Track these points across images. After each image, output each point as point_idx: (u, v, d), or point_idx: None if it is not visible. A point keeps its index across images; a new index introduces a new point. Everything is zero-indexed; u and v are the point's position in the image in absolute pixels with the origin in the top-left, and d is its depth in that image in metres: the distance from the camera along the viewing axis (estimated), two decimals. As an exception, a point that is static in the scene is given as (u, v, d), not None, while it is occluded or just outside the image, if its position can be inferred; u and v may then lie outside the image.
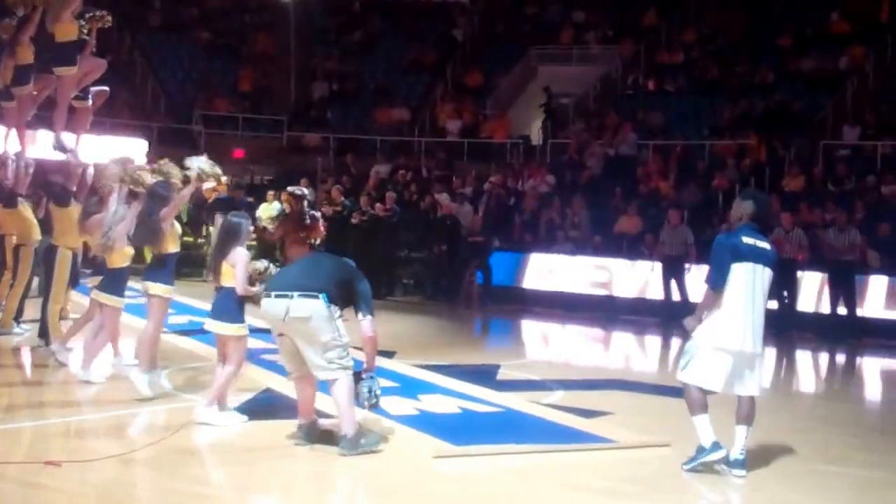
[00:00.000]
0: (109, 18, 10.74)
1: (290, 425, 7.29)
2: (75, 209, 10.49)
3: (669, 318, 14.64)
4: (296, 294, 6.76)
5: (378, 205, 18.62)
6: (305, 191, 13.12)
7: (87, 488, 6.01)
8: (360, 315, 6.98)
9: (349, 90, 27.68)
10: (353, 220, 18.31)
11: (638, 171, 20.60)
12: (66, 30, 10.01)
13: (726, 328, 6.67)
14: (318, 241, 13.02)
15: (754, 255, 6.70)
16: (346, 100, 27.49)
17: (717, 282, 6.69)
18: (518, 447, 7.25)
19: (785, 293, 15.16)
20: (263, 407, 8.29)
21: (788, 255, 15.00)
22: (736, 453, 6.68)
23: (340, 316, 6.90)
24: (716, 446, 6.66)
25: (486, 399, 8.95)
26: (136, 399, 8.22)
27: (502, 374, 10.64)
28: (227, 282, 7.70)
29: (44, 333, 10.53)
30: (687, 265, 15.88)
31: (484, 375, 10.34)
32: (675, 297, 15.87)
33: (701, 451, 6.71)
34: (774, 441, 7.78)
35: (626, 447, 7.44)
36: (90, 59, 10.60)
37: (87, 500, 5.89)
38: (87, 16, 10.50)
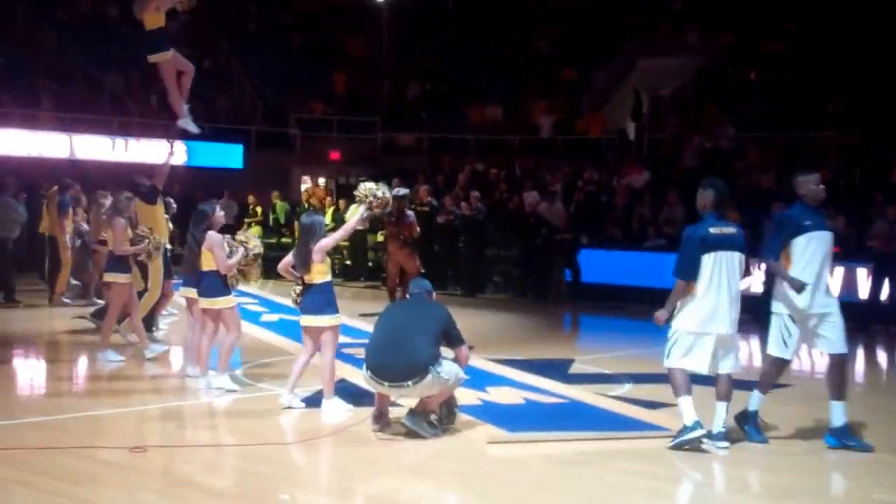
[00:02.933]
0: None
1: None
2: None
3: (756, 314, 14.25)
4: (410, 383, 7.08)
5: (463, 204, 18.75)
6: (406, 191, 13.58)
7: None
8: (456, 349, 7.49)
9: (442, 89, 27.81)
10: (440, 220, 18.44)
11: (737, 164, 20.11)
12: (153, 19, 10.18)
13: (702, 313, 7.06)
14: (414, 238, 13.30)
15: (722, 243, 7.11)
16: (439, 99, 27.63)
17: (688, 274, 7.10)
18: (568, 434, 7.38)
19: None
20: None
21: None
22: (718, 428, 7.08)
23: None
24: (697, 425, 6.97)
25: (552, 391, 9.09)
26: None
27: (575, 368, 10.71)
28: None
29: None
30: None
31: (557, 369, 10.44)
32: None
33: (683, 429, 7.00)
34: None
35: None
36: (179, 58, 10.62)
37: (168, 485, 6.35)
38: None
